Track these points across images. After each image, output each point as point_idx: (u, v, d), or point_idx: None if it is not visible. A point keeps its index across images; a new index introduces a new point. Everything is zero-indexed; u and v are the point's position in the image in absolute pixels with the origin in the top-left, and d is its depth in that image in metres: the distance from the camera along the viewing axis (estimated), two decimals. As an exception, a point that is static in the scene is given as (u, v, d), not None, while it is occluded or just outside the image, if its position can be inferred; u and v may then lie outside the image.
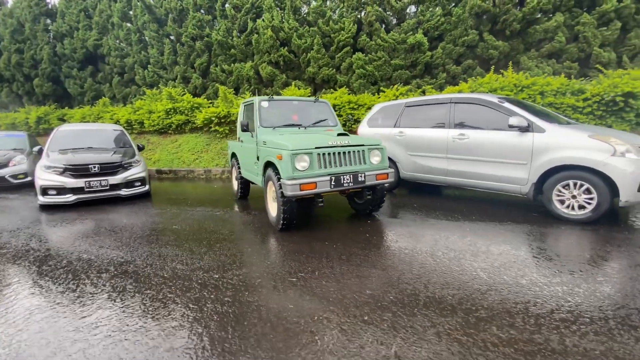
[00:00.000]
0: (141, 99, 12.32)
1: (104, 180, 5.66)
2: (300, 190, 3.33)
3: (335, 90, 10.29)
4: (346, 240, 3.45)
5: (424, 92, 9.06)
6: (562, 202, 3.89)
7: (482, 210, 4.48)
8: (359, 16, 10.27)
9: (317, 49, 10.25)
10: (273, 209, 3.94)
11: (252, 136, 4.51)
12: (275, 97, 4.71)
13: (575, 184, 3.77)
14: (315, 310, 2.11)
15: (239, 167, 5.52)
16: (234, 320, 2.04)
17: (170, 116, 11.06)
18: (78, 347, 1.83)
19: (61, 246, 3.55)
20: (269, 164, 3.96)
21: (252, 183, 5.45)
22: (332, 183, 3.50)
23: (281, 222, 3.61)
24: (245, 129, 4.41)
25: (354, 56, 9.96)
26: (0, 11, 14.90)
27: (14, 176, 7.70)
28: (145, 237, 3.79)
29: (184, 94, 11.28)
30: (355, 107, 9.12)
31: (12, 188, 7.75)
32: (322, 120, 4.83)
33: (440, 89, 9.53)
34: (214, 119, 10.38)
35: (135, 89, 12.96)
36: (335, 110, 9.21)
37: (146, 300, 2.32)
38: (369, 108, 9.06)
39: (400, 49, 9.64)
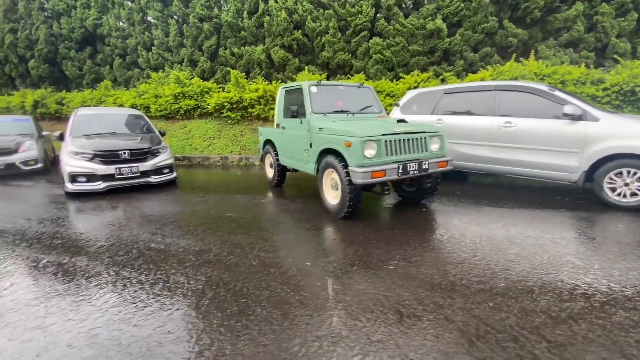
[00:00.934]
0: (146, 83, 11.84)
1: (134, 167, 5.47)
2: (371, 177, 3.29)
3: (351, 76, 10.14)
4: (415, 227, 3.45)
5: (443, 80, 9.02)
6: (613, 189, 3.98)
7: (529, 197, 4.55)
8: (375, -1, 10.03)
9: (332, 32, 10.00)
10: (332, 196, 3.89)
11: (300, 123, 4.40)
12: (322, 82, 4.58)
13: (629, 172, 3.84)
14: (433, 298, 2.11)
15: (276, 154, 5.40)
16: (368, 311, 2.01)
17: (178, 101, 10.70)
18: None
19: (120, 236, 3.42)
20: (326, 151, 3.89)
21: (289, 170, 5.38)
22: (400, 171, 3.47)
23: (346, 209, 3.57)
24: (295, 114, 4.30)
25: (371, 41, 9.78)
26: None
27: (25, 162, 7.37)
28: (204, 225, 3.70)
29: (192, 78, 10.90)
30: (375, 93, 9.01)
31: (22, 175, 7.41)
32: (367, 107, 4.75)
33: (458, 76, 9.50)
34: (226, 104, 10.10)
35: (137, 72, 12.43)
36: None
37: (263, 294, 2.25)
38: (388, 95, 8.99)
39: (419, 34, 9.51)
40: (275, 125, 5.44)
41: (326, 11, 10.16)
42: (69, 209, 4.55)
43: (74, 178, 5.15)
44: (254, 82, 10.43)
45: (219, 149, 9.81)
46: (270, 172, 5.82)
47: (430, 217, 3.82)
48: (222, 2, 11.31)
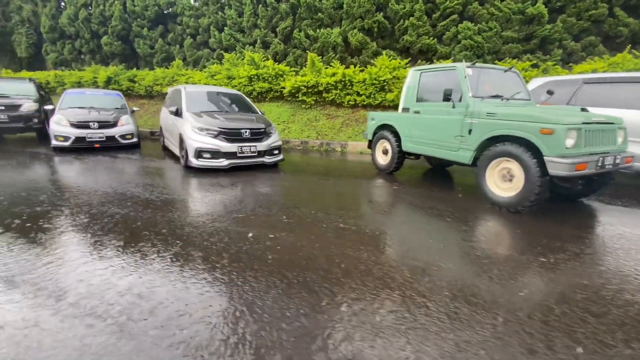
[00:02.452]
0: (216, 64, 11.86)
1: (253, 146, 5.43)
2: (576, 170, 3.01)
3: (433, 62, 9.69)
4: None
5: (544, 71, 8.42)
6: None
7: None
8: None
9: (418, 15, 9.54)
10: (503, 188, 3.63)
11: (452, 107, 4.14)
12: (476, 64, 4.28)
13: None
14: None
15: (396, 140, 5.18)
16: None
17: (252, 83, 10.64)
18: None
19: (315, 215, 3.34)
20: (495, 139, 3.63)
21: (409, 157, 5.20)
22: (598, 164, 3.16)
23: (529, 203, 3.32)
24: (448, 98, 4.05)
25: (460, 25, 9.26)
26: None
27: (123, 136, 7.54)
28: (381, 208, 3.57)
29: (267, 60, 10.78)
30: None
31: (120, 148, 7.61)
32: (518, 93, 4.41)
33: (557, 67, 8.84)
34: (302, 88, 9.94)
35: (207, 52, 12.45)
36: (441, 85, 8.68)
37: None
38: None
39: (515, 19, 8.89)
40: (399, 110, 5.20)
41: (412, -7, 9.68)
42: (219, 185, 4.55)
43: (199, 154, 5.16)
44: (330, 66, 10.19)
45: (295, 134, 9.71)
46: (382, 159, 5.62)
47: (597, 216, 3.51)
48: (300, -18, 11.01)
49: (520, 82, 4.60)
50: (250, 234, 2.79)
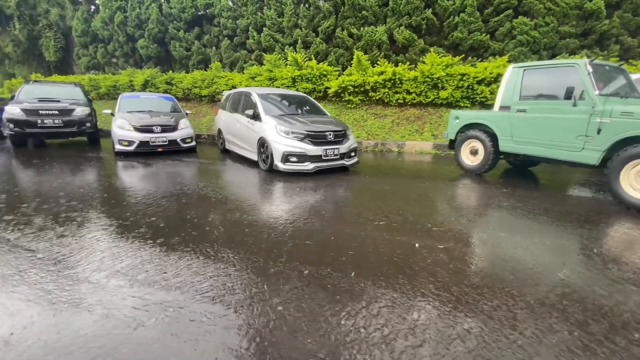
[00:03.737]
0: (255, 65, 11.76)
1: (336, 148, 5.30)
2: None
3: (484, 59, 9.47)
4: None
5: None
6: None
7: None
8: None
9: (470, 11, 9.32)
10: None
11: (573, 105, 3.96)
12: (595, 61, 4.08)
13: None
14: None
15: (490, 140, 5.00)
16: None
17: (296, 84, 10.51)
18: None
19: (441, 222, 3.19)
20: (630, 139, 3.46)
21: (502, 158, 5.03)
22: None
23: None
24: (570, 96, 3.87)
25: (515, 20, 9.02)
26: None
27: (183, 140, 7.47)
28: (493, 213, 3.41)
29: (310, 60, 10.64)
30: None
31: (181, 152, 7.54)
32: (632, 90, 4.21)
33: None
34: (349, 87, 9.79)
35: (245, 53, 12.35)
36: (498, 81, 8.46)
37: None
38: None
39: (573, 14, 8.64)
40: (496, 108, 5.02)
41: (463, -12, 9.45)
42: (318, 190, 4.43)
43: (287, 158, 5.04)
44: (377, 64, 10.02)
45: (344, 134, 9.54)
46: (470, 159, 5.45)
47: None
48: (342, -20, 10.84)
49: (629, 79, 4.39)
50: (417, 244, 2.65)
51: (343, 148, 5.41)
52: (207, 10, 12.37)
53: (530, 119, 4.48)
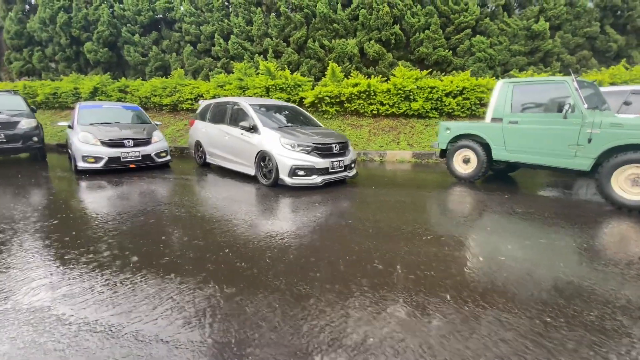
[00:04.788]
0: (222, 73, 11.23)
1: (341, 160, 5.24)
2: None
3: (448, 73, 10.21)
4: None
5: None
6: None
7: None
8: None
9: (434, 28, 10.01)
10: (633, 193, 3.91)
11: (564, 117, 4.40)
12: (578, 78, 4.58)
13: None
14: None
15: (483, 149, 5.34)
16: None
17: (270, 93, 10.26)
18: None
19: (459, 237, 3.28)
20: (617, 148, 3.94)
21: (495, 165, 5.38)
22: None
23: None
24: (561, 109, 4.31)
25: (473, 39, 9.90)
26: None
27: (158, 154, 6.80)
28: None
29: (282, 69, 10.48)
30: (485, 91, 9.11)
31: (154, 168, 6.82)
32: (604, 104, 4.82)
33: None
34: (326, 98, 9.83)
35: (210, 61, 11.75)
36: (463, 94, 9.17)
37: None
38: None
39: (521, 35, 9.74)
40: (487, 120, 5.38)
41: (427, 7, 10.14)
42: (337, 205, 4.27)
43: (294, 172, 4.83)
44: (350, 76, 10.22)
45: (323, 144, 9.51)
46: (463, 168, 5.76)
47: None
48: (313, -8, 10.93)
49: (599, 93, 5.03)
50: (482, 258, 2.68)
51: (347, 160, 5.37)
52: (167, 15, 11.56)
53: (523, 129, 4.89)
